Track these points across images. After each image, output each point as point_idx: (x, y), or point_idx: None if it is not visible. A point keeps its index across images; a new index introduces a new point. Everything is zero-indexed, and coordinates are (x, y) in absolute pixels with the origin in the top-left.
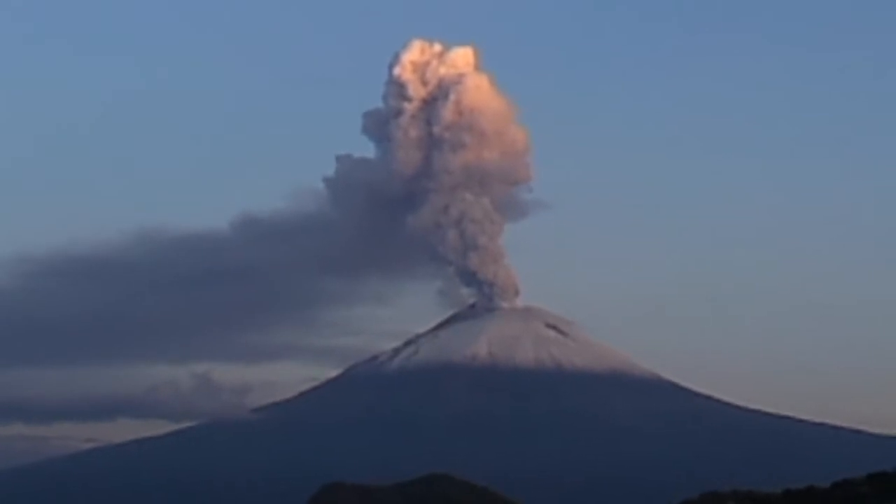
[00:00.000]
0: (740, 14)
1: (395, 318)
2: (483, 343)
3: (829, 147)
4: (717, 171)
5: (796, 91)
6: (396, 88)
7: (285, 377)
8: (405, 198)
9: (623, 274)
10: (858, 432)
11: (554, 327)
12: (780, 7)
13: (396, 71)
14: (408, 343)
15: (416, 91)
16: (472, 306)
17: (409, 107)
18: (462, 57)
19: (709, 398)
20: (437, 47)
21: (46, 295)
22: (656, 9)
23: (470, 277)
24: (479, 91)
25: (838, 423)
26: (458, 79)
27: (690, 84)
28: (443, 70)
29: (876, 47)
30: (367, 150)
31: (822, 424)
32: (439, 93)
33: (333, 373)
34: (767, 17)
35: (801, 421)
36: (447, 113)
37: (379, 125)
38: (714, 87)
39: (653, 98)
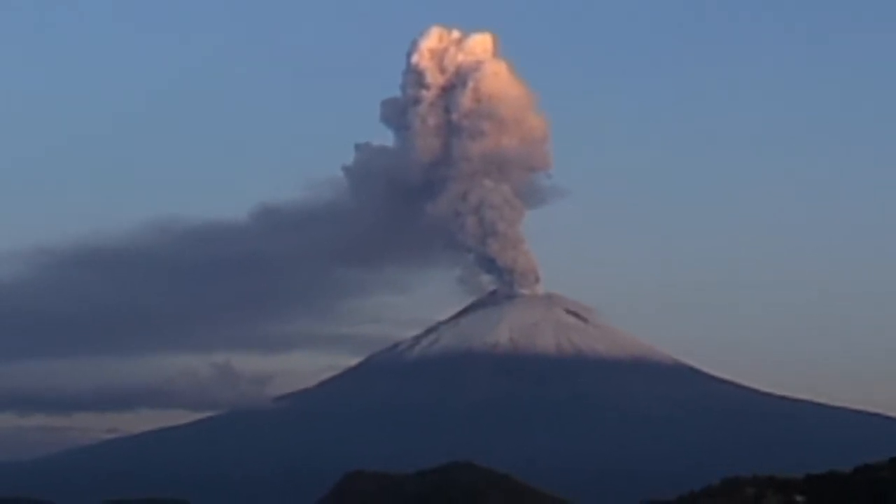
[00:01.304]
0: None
1: (415, 306)
2: (504, 330)
3: (852, 137)
4: (737, 159)
5: (812, 81)
6: (414, 77)
7: (305, 366)
8: (424, 186)
9: (642, 260)
10: (880, 417)
11: (574, 314)
12: None
13: (414, 59)
14: (428, 331)
15: (434, 79)
16: (493, 293)
17: (428, 94)
18: (480, 43)
19: (729, 383)
20: (456, 34)
21: (66, 286)
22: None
23: (490, 264)
24: (498, 78)
25: (859, 407)
26: (477, 66)
27: (711, 72)
28: (461, 57)
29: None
30: (385, 138)
31: (842, 409)
32: (457, 80)
33: (354, 361)
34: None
35: (821, 405)
36: (465, 100)
37: (397, 113)
38: (736, 76)
39: (672, 85)
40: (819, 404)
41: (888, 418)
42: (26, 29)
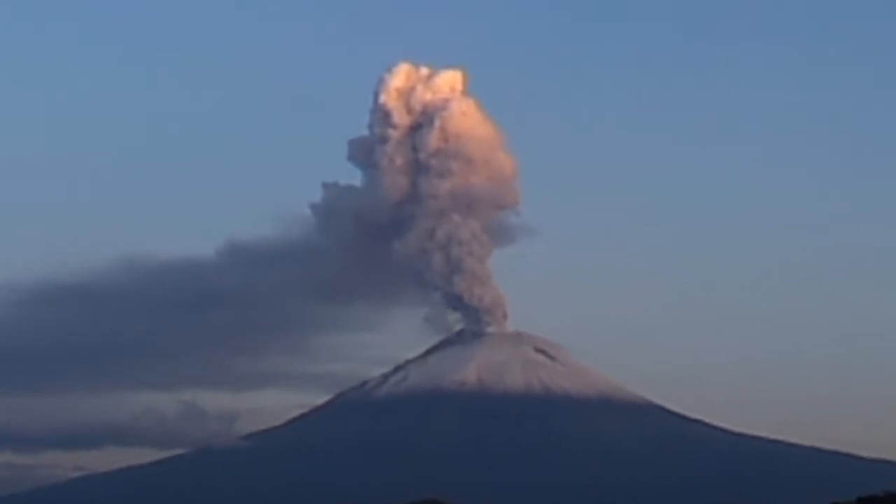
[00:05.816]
0: (736, 42)
1: (383, 345)
2: (472, 369)
3: (826, 180)
4: (706, 197)
5: (792, 118)
6: (382, 116)
7: (273, 404)
8: (392, 224)
9: (612, 298)
10: (849, 456)
11: (543, 352)
12: (772, 26)
13: (382, 98)
14: (397, 369)
15: (402, 119)
16: (461, 332)
17: (395, 133)
18: (449, 81)
19: (699, 422)
20: (424, 71)
21: (32, 323)
22: (647, 35)
23: (457, 302)
24: (466, 117)
25: (829, 446)
26: (444, 104)
27: (680, 111)
28: (428, 95)
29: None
30: (353, 177)
31: (812, 448)
32: (424, 119)
33: (322, 399)
34: (760, 43)
35: (791, 444)
36: (433, 139)
37: (365, 152)
38: (703, 115)
39: (641, 124)
40: (788, 443)
41: (856, 457)
42: None
